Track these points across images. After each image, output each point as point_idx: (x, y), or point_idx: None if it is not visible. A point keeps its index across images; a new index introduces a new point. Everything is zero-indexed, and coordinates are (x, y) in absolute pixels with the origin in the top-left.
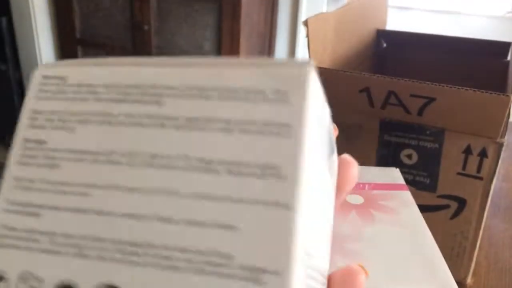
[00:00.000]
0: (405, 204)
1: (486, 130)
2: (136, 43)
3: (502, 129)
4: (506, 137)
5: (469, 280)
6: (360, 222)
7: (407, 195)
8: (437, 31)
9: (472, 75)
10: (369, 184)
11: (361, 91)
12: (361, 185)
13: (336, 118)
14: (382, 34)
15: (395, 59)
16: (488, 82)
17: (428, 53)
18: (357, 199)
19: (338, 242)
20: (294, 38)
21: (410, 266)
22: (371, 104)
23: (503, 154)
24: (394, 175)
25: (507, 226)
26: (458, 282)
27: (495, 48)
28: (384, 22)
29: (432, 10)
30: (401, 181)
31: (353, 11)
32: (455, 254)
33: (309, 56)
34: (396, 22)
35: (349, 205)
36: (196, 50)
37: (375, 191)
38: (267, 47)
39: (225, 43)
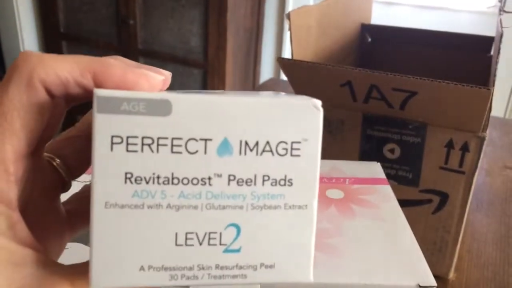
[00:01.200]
0: (385, 199)
1: (468, 124)
2: (122, 38)
3: (483, 123)
4: (488, 132)
5: (451, 274)
6: (340, 217)
7: (387, 189)
8: (422, 26)
9: (457, 70)
10: (350, 178)
11: (343, 85)
12: (341, 180)
13: None
14: (367, 28)
15: (379, 54)
16: (472, 76)
17: (412, 47)
18: (337, 194)
19: (318, 237)
20: (281, 32)
21: (388, 260)
22: (354, 98)
23: (486, 149)
24: (375, 169)
25: (490, 221)
26: (440, 277)
27: (479, 43)
28: (369, 17)
29: (417, 5)
30: (382, 175)
31: (337, 5)
32: (438, 249)
33: (292, 50)
34: (381, 17)
35: (328, 199)
36: (182, 45)
37: (355, 186)
38: (254, 41)
39: (212, 38)
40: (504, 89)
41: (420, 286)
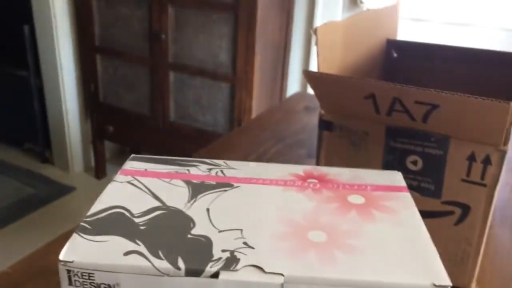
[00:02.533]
0: (405, 205)
1: (489, 137)
2: (154, 52)
3: (504, 136)
4: (511, 145)
5: (473, 286)
6: (361, 220)
7: (407, 197)
8: (449, 43)
9: (484, 85)
10: (371, 185)
11: (366, 97)
12: (363, 186)
13: (343, 124)
14: (393, 44)
15: (405, 69)
16: (501, 92)
17: (439, 63)
18: (359, 199)
19: (339, 238)
20: (308, 48)
21: (405, 260)
22: (377, 110)
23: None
24: (395, 177)
25: None
26: None
27: (507, 59)
28: (395, 32)
29: (445, 22)
30: (402, 183)
31: (364, 21)
32: (459, 260)
33: (318, 64)
34: (408, 34)
35: (350, 204)
36: (212, 60)
37: (376, 192)
38: (282, 56)
39: (240, 53)
40: None
41: (435, 285)
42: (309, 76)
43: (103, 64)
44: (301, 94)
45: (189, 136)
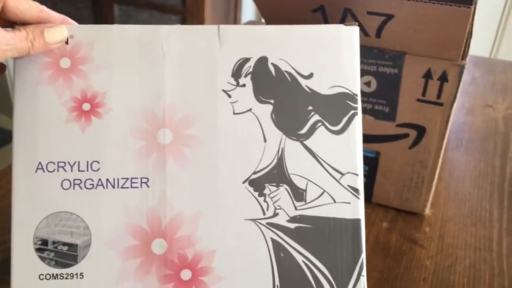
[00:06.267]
0: None
1: (447, 51)
2: None
3: (463, 49)
4: (471, 71)
5: (427, 210)
6: None
7: None
8: None
9: None
10: None
11: (315, 10)
12: None
13: None
14: None
15: None
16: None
17: None
18: None
19: None
20: None
21: None
22: None
23: (468, 88)
24: None
25: (468, 159)
26: (416, 213)
27: None
28: None
29: None
30: None
31: None
32: (414, 185)
33: None
34: None
35: None
36: None
37: None
38: None
39: None
40: (490, 29)
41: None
42: None
43: None
44: (254, 23)
45: None
